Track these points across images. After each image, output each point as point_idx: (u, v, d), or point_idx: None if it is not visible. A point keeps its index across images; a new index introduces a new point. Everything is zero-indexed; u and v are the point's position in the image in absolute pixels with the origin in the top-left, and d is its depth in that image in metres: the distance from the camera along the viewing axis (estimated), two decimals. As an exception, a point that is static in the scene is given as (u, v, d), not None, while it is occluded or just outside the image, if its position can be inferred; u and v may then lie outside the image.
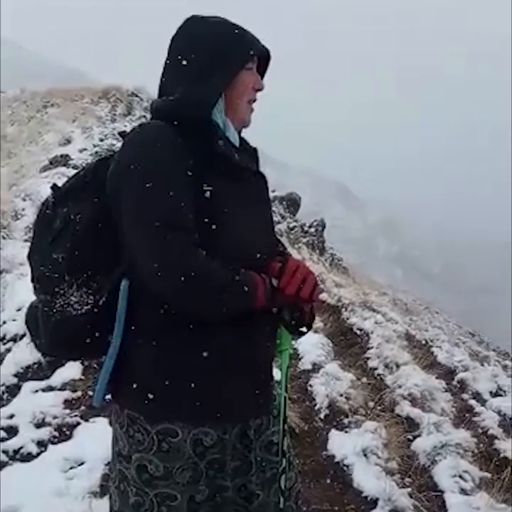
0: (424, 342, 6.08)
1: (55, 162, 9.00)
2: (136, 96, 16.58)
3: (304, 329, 1.49)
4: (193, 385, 1.33)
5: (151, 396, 1.34)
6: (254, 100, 1.48)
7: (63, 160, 9.15)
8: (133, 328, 1.35)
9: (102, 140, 11.73)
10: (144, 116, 13.98)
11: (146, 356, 1.35)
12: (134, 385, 1.36)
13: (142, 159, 1.29)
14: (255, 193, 1.45)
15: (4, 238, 5.85)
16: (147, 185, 1.26)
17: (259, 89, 1.48)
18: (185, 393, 1.33)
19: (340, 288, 6.99)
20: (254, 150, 1.53)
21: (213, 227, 1.31)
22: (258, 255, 1.39)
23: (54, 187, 1.45)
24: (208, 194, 1.31)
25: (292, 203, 16.74)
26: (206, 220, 1.30)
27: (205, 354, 1.33)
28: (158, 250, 1.23)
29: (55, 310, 1.36)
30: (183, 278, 1.22)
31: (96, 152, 10.19)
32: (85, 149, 10.75)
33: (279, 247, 1.55)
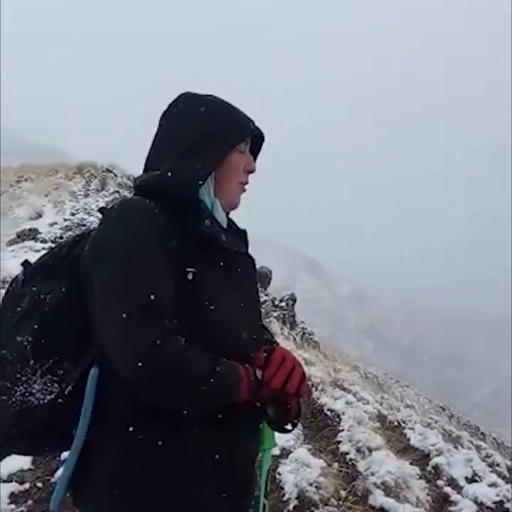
0: (396, 423, 5.91)
1: (23, 236, 8.88)
2: (110, 172, 16.81)
3: (289, 427, 1.36)
4: (163, 488, 1.19)
5: (114, 505, 1.19)
6: (246, 183, 1.44)
7: (32, 233, 9.04)
8: (100, 422, 1.21)
9: (73, 214, 11.70)
10: (118, 192, 14.11)
11: (112, 455, 1.20)
12: (97, 489, 1.21)
13: (120, 238, 1.21)
14: (242, 275, 1.37)
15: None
16: (123, 265, 1.18)
17: (251, 171, 1.44)
18: (155, 499, 1.18)
19: (311, 366, 6.85)
20: (244, 232, 1.47)
21: (194, 311, 1.22)
22: (242, 343, 1.29)
23: (25, 263, 1.35)
24: (190, 276, 1.23)
25: (263, 277, 16.79)
26: (187, 303, 1.21)
27: (179, 455, 1.20)
28: (130, 337, 1.13)
29: (14, 398, 1.22)
30: (157, 369, 1.12)
31: (66, 226, 10.13)
32: (56, 223, 10.68)
33: (265, 335, 1.46)
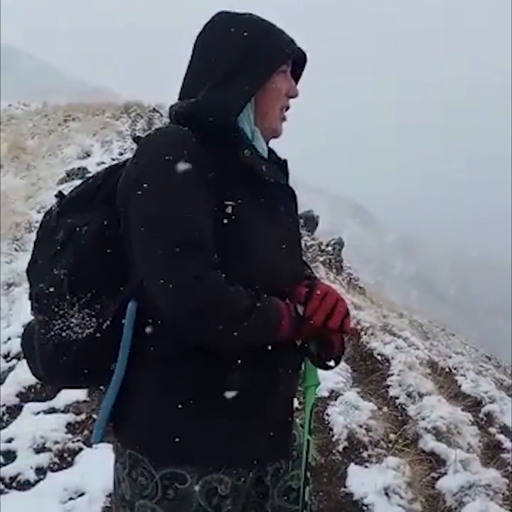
0: (447, 370, 5.82)
1: (72, 175, 8.97)
2: (157, 112, 16.66)
3: (332, 363, 1.31)
4: (204, 424, 1.15)
5: (155, 435, 1.16)
6: (287, 108, 1.31)
7: (80, 172, 9.11)
8: (139, 356, 1.19)
9: (121, 154, 11.71)
10: (164, 132, 14.00)
11: (152, 389, 1.18)
12: (138, 422, 1.19)
13: (156, 169, 1.13)
14: (283, 209, 1.28)
15: (17, 250, 5.75)
16: (161, 197, 1.11)
17: (293, 96, 1.31)
18: (195, 433, 1.15)
19: (359, 310, 6.76)
20: (284, 162, 1.36)
21: (234, 246, 1.14)
22: (283, 278, 1.22)
23: (59, 195, 1.30)
24: (229, 210, 1.15)
25: (310, 221, 16.59)
26: (226, 238, 1.13)
27: (219, 390, 1.16)
28: (170, 272, 1.07)
29: (53, 333, 1.20)
30: (198, 304, 1.06)
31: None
32: (103, 163, 10.71)
33: (306, 270, 1.37)
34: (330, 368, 1.32)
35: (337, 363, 1.33)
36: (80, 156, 11.62)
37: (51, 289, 1.20)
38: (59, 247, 1.22)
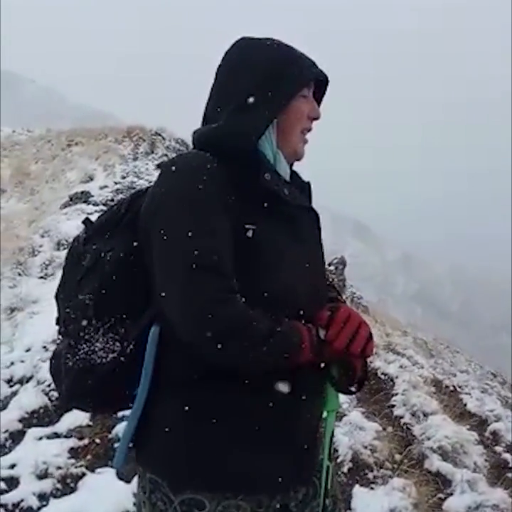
0: (452, 388, 5.77)
1: (75, 199, 9.02)
2: (159, 135, 16.81)
3: (354, 388, 1.30)
4: (223, 449, 1.15)
5: (175, 460, 1.16)
6: (309, 130, 1.33)
7: (84, 196, 9.16)
8: (161, 380, 1.19)
9: (123, 177, 11.79)
10: (166, 155, 14.10)
11: (173, 414, 1.18)
12: (158, 446, 1.19)
13: (179, 193, 1.16)
14: (306, 232, 1.28)
15: (20, 275, 5.77)
16: (180, 222, 1.12)
17: (316, 118, 1.33)
18: (216, 459, 1.15)
19: (363, 329, 6.74)
20: (308, 185, 1.37)
21: (255, 270, 1.15)
22: (305, 301, 1.22)
23: (86, 221, 1.33)
24: (250, 233, 1.16)
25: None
26: (247, 262, 1.14)
27: (240, 415, 1.16)
28: (189, 296, 1.08)
29: (78, 357, 1.23)
30: (217, 329, 1.07)
31: (117, 189, 10.21)
32: (106, 186, 10.79)
33: (330, 293, 1.37)
34: (352, 393, 1.31)
35: (359, 388, 1.31)
36: (83, 180, 11.69)
37: (77, 314, 1.23)
38: (85, 273, 1.25)
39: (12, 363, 3.98)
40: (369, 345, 1.23)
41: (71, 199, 9.10)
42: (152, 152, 15.15)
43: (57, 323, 1.30)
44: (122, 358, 1.22)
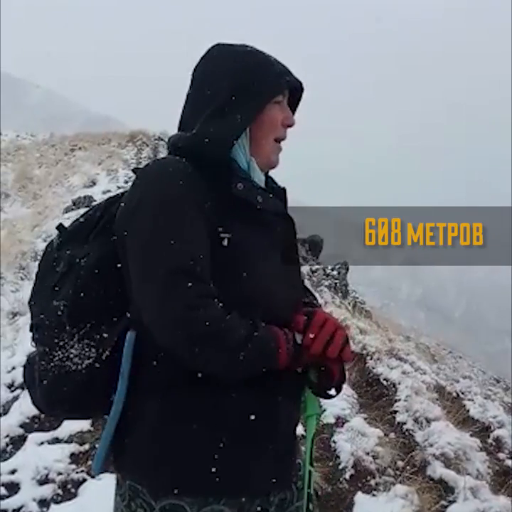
0: (455, 394, 5.75)
1: (78, 203, 9.07)
2: (162, 140, 16.88)
3: (333, 392, 1.30)
4: (204, 453, 1.14)
5: (155, 465, 1.15)
6: (284, 138, 1.32)
7: (86, 201, 9.21)
8: (138, 386, 1.19)
9: (126, 182, 11.85)
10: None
11: (151, 419, 1.17)
12: (137, 452, 1.18)
13: (152, 198, 1.15)
14: (280, 237, 1.28)
15: (22, 279, 5.78)
16: (158, 226, 1.12)
17: (290, 126, 1.32)
18: (195, 463, 1.14)
19: (365, 335, 6.72)
20: (283, 190, 1.37)
21: (231, 274, 1.15)
22: (282, 306, 1.22)
23: (60, 227, 1.32)
24: (225, 242, 1.16)
25: (315, 246, 16.60)
26: (223, 268, 1.14)
27: (218, 419, 1.15)
28: (165, 302, 1.08)
29: (53, 363, 1.21)
30: (193, 333, 1.07)
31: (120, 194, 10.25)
32: (109, 191, 10.83)
33: (307, 297, 1.37)
34: (331, 396, 1.31)
35: (338, 392, 1.32)
36: (86, 184, 11.76)
37: (51, 320, 1.22)
38: (59, 279, 1.24)
39: (13, 368, 3.98)
40: (346, 349, 1.23)
41: (74, 204, 9.15)
42: (155, 157, 15.22)
43: (31, 329, 1.28)
44: (98, 365, 1.21)
